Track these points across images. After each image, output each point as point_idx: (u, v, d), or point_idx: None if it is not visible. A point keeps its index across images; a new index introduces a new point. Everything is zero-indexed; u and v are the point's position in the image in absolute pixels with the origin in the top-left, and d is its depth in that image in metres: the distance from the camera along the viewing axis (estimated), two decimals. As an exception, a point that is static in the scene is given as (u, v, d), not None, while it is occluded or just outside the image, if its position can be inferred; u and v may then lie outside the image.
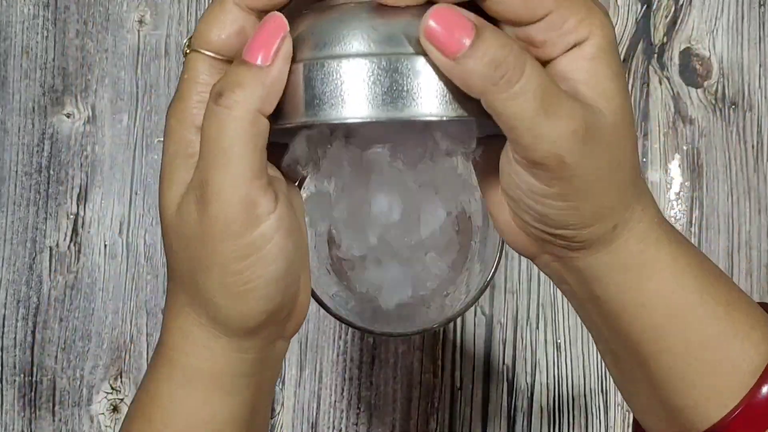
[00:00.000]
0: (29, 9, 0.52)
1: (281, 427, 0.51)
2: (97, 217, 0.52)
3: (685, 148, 0.52)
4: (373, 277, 0.36)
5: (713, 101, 0.53)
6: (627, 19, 0.53)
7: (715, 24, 0.53)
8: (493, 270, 0.38)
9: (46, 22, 0.52)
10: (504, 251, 0.41)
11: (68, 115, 0.52)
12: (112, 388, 0.51)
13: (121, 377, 0.51)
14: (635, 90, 0.53)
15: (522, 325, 0.52)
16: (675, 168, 0.52)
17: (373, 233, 0.33)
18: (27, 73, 0.52)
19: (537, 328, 0.51)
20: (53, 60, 0.52)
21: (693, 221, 0.52)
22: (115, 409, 0.51)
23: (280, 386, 0.51)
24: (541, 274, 0.49)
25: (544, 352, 0.52)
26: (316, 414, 0.51)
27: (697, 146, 0.53)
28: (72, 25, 0.52)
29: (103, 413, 0.51)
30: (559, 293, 0.51)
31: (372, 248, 0.34)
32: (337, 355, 0.52)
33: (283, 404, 0.51)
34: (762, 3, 0.53)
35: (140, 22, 0.52)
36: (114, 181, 0.52)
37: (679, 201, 0.52)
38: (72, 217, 0.51)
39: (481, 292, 0.38)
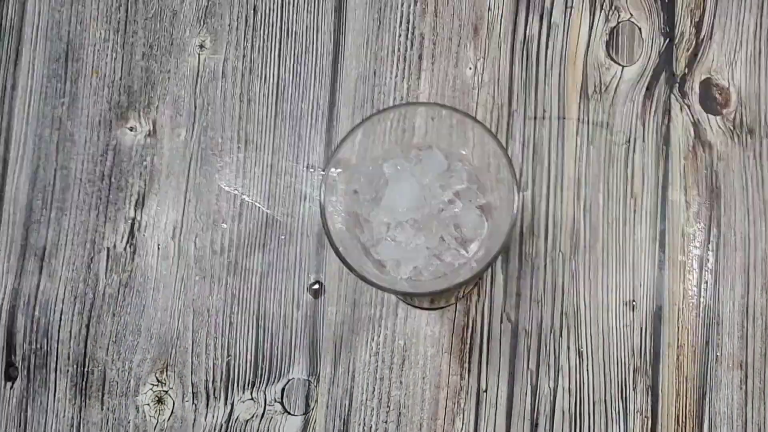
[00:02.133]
0: (101, 33, 0.82)
1: (314, 422, 0.76)
2: (153, 221, 0.80)
3: (704, 171, 0.79)
4: (393, 252, 0.62)
5: (731, 128, 0.80)
6: (651, 50, 0.81)
7: (734, 57, 0.81)
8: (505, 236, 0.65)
9: (116, 45, 0.82)
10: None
11: (131, 129, 0.81)
12: (158, 381, 0.77)
13: (166, 370, 0.77)
14: (657, 116, 0.80)
15: (546, 332, 0.77)
16: (694, 189, 0.79)
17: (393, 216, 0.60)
18: (96, 91, 0.82)
19: (560, 335, 0.77)
20: (120, 79, 0.82)
21: (711, 239, 0.77)
22: (159, 400, 0.77)
23: (315, 383, 0.77)
24: (565, 283, 0.77)
25: (566, 358, 0.77)
26: (348, 411, 0.77)
27: (716, 169, 0.79)
28: (138, 48, 0.82)
29: (148, 404, 0.77)
30: (582, 302, 0.77)
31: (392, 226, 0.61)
32: (370, 356, 0.78)
33: (317, 400, 0.77)
34: (778, 38, 0.81)
35: (201, 46, 0.82)
36: (170, 189, 0.80)
37: (699, 220, 0.78)
38: (129, 221, 0.80)
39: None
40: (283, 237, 0.79)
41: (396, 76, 0.80)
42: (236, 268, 0.79)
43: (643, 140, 0.80)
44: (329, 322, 0.78)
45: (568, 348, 0.77)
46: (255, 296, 0.79)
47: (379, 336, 0.78)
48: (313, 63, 0.82)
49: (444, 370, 0.77)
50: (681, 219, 0.79)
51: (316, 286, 0.79)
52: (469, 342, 0.78)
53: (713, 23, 0.82)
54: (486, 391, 0.77)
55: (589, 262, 0.78)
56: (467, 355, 0.78)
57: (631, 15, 0.82)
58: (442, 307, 0.78)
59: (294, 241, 0.80)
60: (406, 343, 0.78)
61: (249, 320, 0.78)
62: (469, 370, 0.77)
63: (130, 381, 0.78)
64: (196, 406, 0.77)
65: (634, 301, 0.77)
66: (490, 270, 0.79)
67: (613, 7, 0.82)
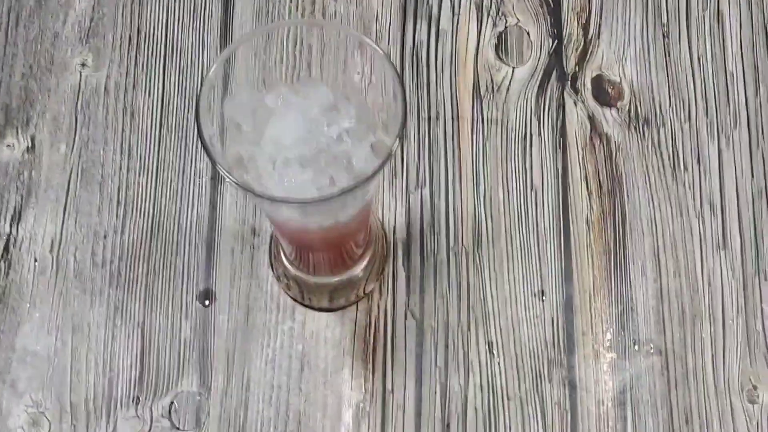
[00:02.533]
0: (-22, 56, 0.85)
1: (207, 437, 0.74)
2: (29, 235, 0.79)
3: (604, 161, 0.82)
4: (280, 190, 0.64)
5: (627, 119, 0.84)
6: (540, 52, 0.86)
7: (623, 54, 0.86)
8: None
9: (-6, 67, 0.85)
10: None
11: (8, 146, 0.82)
12: (33, 401, 0.75)
13: (42, 390, 0.75)
14: (551, 112, 0.84)
15: (453, 328, 0.77)
16: (594, 179, 0.82)
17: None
18: (-29, 112, 0.84)
19: (468, 330, 0.77)
20: (-3, 99, 0.84)
21: (617, 226, 0.80)
22: (34, 422, 0.74)
23: (206, 396, 0.75)
24: (471, 277, 0.79)
25: (476, 354, 0.77)
26: (243, 423, 0.75)
27: (615, 159, 0.83)
28: (18, 69, 0.85)
29: (22, 427, 0.74)
30: (489, 295, 0.78)
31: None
32: (265, 364, 0.76)
33: (209, 414, 0.75)
34: (665, 34, 0.87)
35: (83, 65, 0.85)
36: (48, 203, 0.80)
37: (602, 207, 0.80)
38: (4, 236, 0.79)
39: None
40: (169, 247, 0.80)
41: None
42: (119, 280, 0.79)
43: (540, 134, 0.84)
44: (220, 330, 0.78)
45: (477, 343, 0.77)
46: (140, 308, 0.78)
47: (275, 342, 0.78)
48: (201, 76, 0.85)
49: (346, 374, 0.77)
50: (584, 208, 0.81)
51: (206, 297, 0.79)
52: (372, 342, 0.78)
53: (600, 24, 0.88)
54: (392, 392, 0.76)
55: (494, 256, 0.80)
56: (371, 356, 0.77)
57: (519, 20, 0.88)
58: (342, 307, 0.78)
59: (181, 251, 0.80)
60: (304, 347, 0.77)
61: (133, 333, 0.77)
62: (373, 372, 0.76)
63: (1, 403, 0.75)
64: (74, 426, 0.74)
65: (543, 291, 0.78)
66: (391, 267, 0.80)
67: (500, 13, 0.88)
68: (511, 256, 0.80)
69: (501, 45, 0.87)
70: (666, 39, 0.87)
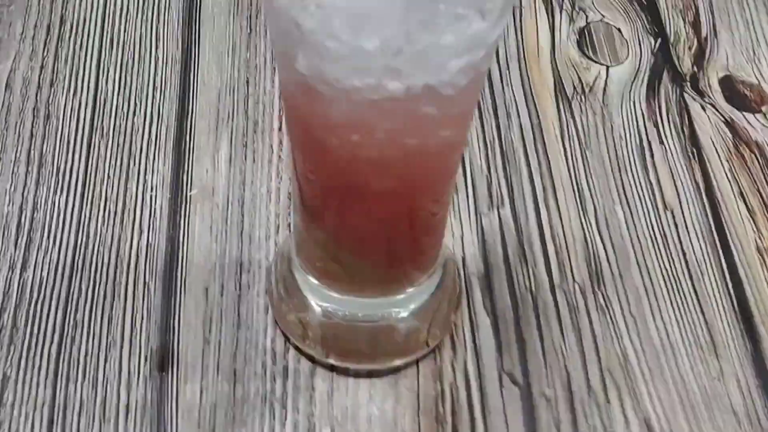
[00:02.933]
0: None
1: None
2: None
3: (759, 174, 0.59)
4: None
5: (782, 123, 0.62)
6: (640, 49, 0.65)
7: (753, 53, 0.66)
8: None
9: None
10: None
11: None
12: None
13: None
14: (671, 115, 0.62)
15: (582, 397, 0.49)
16: (755, 195, 0.58)
17: None
18: None
19: (607, 400, 0.49)
20: None
21: (804, 250, 0.55)
22: None
23: None
24: (596, 324, 0.52)
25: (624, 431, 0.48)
26: None
27: (778, 169, 0.60)
28: None
29: None
30: (630, 349, 0.51)
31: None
32: None
33: None
34: (804, 33, 0.67)
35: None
36: None
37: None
38: None
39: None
40: (99, 288, 0.52)
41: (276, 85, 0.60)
42: (14, 339, 0.50)
43: (662, 142, 0.61)
44: (188, 409, 0.48)
45: (626, 421, 0.49)
46: (49, 381, 0.48)
47: (284, 422, 0.48)
48: (152, 72, 0.61)
49: (411, 470, 0.47)
50: (748, 231, 0.57)
51: (161, 360, 0.50)
52: (451, 421, 0.49)
53: (714, 23, 0.68)
54: (496, 495, 0.47)
55: (626, 294, 0.53)
56: (450, 441, 0.48)
57: (603, 16, 0.68)
58: (393, 370, 0.49)
59: (121, 293, 0.52)
60: (335, 430, 0.48)
61: (39, 418, 0.47)
62: None
63: None
64: None
65: (713, 341, 0.52)
66: (466, 312, 0.52)
67: (576, 8, 0.67)
68: (652, 294, 0.54)
69: (584, 41, 0.66)
70: (807, 37, 0.67)
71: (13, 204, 0.55)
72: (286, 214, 0.56)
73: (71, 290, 0.52)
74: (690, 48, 0.66)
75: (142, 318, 0.51)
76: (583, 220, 0.57)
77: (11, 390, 0.49)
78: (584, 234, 0.56)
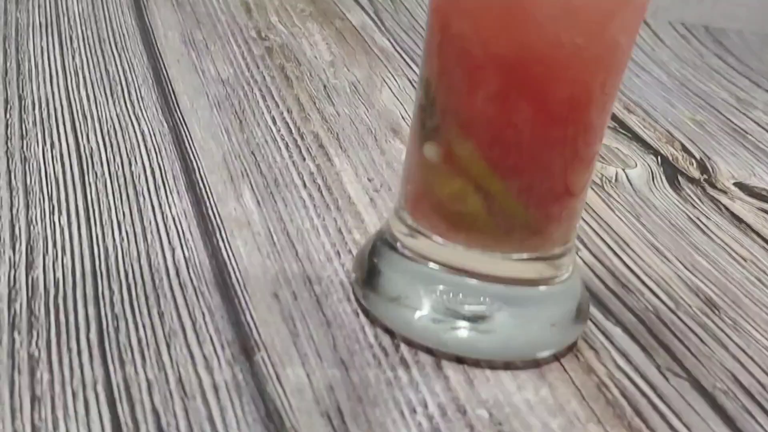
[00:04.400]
0: None
1: None
2: None
3: (818, 243, 0.56)
4: None
5: (813, 213, 0.60)
6: (645, 161, 0.63)
7: (752, 170, 0.65)
8: None
9: None
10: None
11: None
12: None
13: None
14: (705, 201, 0.58)
15: (757, 391, 0.40)
16: (825, 252, 0.54)
17: None
18: None
19: None
20: None
21: None
22: None
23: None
24: (735, 337, 0.47)
25: None
26: None
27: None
28: None
29: None
30: None
31: None
32: None
33: None
34: (789, 162, 0.68)
35: None
36: None
37: None
38: None
39: None
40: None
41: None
42: (35, 325, 0.36)
43: (708, 217, 0.57)
44: (297, 387, 0.35)
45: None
46: (97, 363, 0.35)
47: (425, 404, 0.36)
48: (140, 140, 0.52)
49: (606, 447, 0.36)
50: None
51: (245, 349, 0.37)
52: (626, 404, 0.38)
53: (703, 151, 0.67)
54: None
55: (752, 318, 0.46)
56: (636, 420, 0.37)
57: (597, 139, 0.65)
58: (530, 364, 0.39)
59: (165, 293, 0.40)
60: (492, 414, 0.36)
61: (94, 396, 0.33)
62: (660, 444, 0.36)
63: None
64: None
65: None
66: (590, 323, 0.43)
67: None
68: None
69: (591, 152, 0.63)
70: (793, 165, 0.67)
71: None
72: (343, 244, 0.47)
73: (99, 290, 0.40)
74: (692, 164, 0.65)
75: (203, 314, 0.39)
76: (669, 264, 0.51)
77: (44, 369, 0.35)
78: (677, 274, 0.50)
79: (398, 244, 0.42)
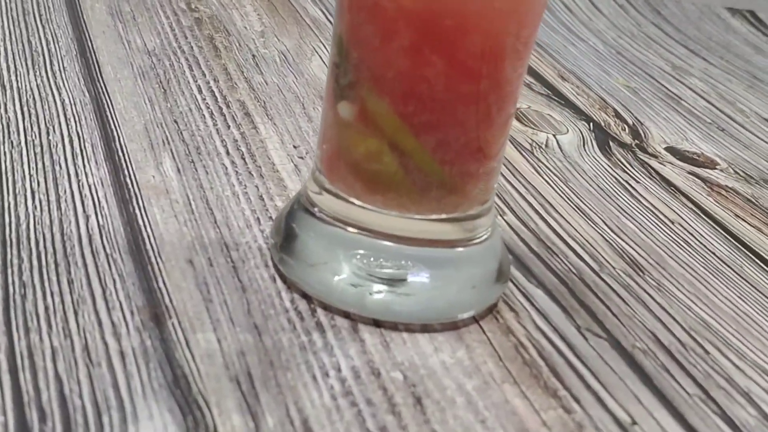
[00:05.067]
0: None
1: None
2: None
3: (746, 205, 0.56)
4: None
5: (741, 177, 0.60)
6: (577, 126, 0.63)
7: (685, 137, 0.65)
8: None
9: None
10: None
11: None
12: None
13: None
14: (635, 166, 0.58)
15: (676, 347, 0.40)
16: (752, 217, 0.54)
17: None
18: None
19: (705, 351, 0.40)
20: None
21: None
22: None
23: (210, 453, 0.30)
24: (658, 298, 0.47)
25: (741, 375, 0.39)
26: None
27: (762, 203, 0.56)
28: None
29: None
30: (705, 314, 0.43)
31: None
32: (333, 398, 0.33)
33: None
34: (713, 122, 0.68)
35: None
36: None
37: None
38: None
39: None
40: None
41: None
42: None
43: (638, 182, 0.56)
44: (206, 352, 0.35)
45: (734, 365, 0.40)
46: (0, 331, 0.34)
47: (339, 368, 0.35)
48: (60, 109, 0.51)
49: (520, 406, 0.35)
50: (761, 238, 0.52)
51: (155, 316, 0.37)
52: (543, 364, 0.38)
53: (636, 116, 0.67)
54: (635, 423, 0.35)
55: (677, 277, 0.46)
56: (553, 382, 0.37)
57: (529, 106, 0.65)
58: (449, 326, 0.38)
59: (77, 261, 0.39)
60: (406, 377, 0.36)
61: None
62: (577, 401, 0.36)
63: None
64: None
65: (784, 317, 0.45)
66: (512, 285, 0.43)
67: (501, 99, 0.65)
68: (703, 279, 0.47)
69: (522, 118, 0.63)
70: (718, 121, 0.67)
71: None
72: (263, 211, 0.46)
73: (8, 258, 0.39)
74: (624, 129, 0.65)
75: (114, 281, 0.39)
76: (594, 227, 0.51)
77: (-55, 338, 0.34)
78: (602, 236, 0.50)
79: (315, 209, 0.41)
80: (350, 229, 0.40)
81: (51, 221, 0.42)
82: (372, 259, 0.40)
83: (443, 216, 0.40)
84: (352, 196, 0.40)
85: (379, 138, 0.39)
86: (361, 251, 0.40)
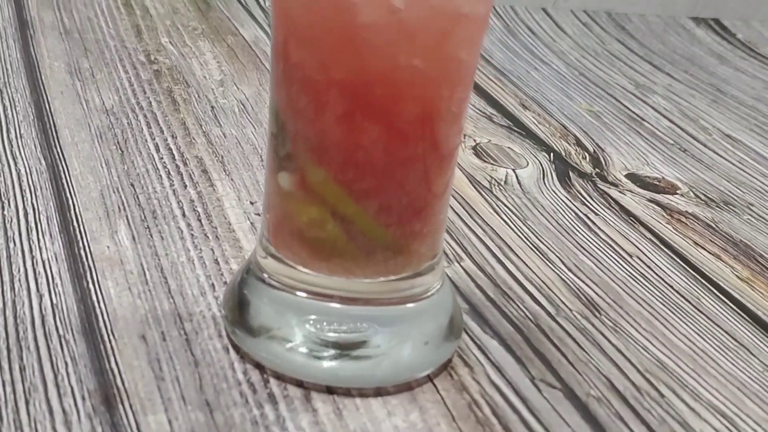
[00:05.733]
0: None
1: None
2: None
3: (705, 231, 0.56)
4: None
5: (702, 201, 0.60)
6: (537, 158, 0.63)
7: (646, 159, 0.65)
8: None
9: None
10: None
11: None
12: None
13: None
14: (594, 198, 0.58)
15: (631, 394, 0.40)
16: (712, 245, 0.54)
17: None
18: None
19: (661, 395, 0.40)
20: None
21: (786, 274, 0.51)
22: None
23: None
24: (614, 339, 0.48)
25: (698, 420, 0.39)
26: None
27: (721, 228, 0.56)
28: None
29: None
30: (662, 355, 0.43)
31: None
32: None
33: None
34: (675, 142, 0.68)
35: None
36: None
37: (750, 268, 0.52)
38: None
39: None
40: None
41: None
42: None
43: (597, 214, 0.57)
44: (156, 441, 0.35)
45: (689, 407, 0.40)
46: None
47: (289, 443, 0.36)
48: (15, 180, 0.51)
49: (473, 470, 0.35)
50: (720, 266, 0.52)
51: (106, 399, 0.37)
52: (496, 422, 0.38)
53: (597, 143, 0.67)
54: (588, 481, 0.35)
55: (633, 317, 0.46)
56: (506, 440, 0.37)
57: (490, 140, 0.65)
58: (402, 388, 0.39)
59: (29, 345, 0.39)
60: (358, 444, 0.36)
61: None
62: (527, 461, 0.36)
63: None
64: None
65: (740, 343, 0.45)
66: (467, 337, 0.43)
67: (463, 135, 0.65)
68: (659, 315, 0.47)
69: (481, 154, 0.63)
70: (680, 142, 0.68)
71: None
72: (218, 275, 0.46)
73: (-42, 348, 0.39)
74: (584, 158, 0.65)
75: (66, 365, 0.39)
76: (552, 267, 0.51)
77: None
78: (560, 277, 0.50)
79: (264, 274, 0.41)
80: (299, 293, 0.41)
81: (4, 303, 0.42)
82: (325, 323, 0.40)
83: (392, 277, 0.41)
84: (298, 263, 0.40)
85: (320, 206, 0.39)
86: (313, 316, 0.40)
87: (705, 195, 0.62)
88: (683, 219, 0.58)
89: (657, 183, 0.62)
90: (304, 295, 0.40)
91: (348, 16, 0.36)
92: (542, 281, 0.49)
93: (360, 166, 0.38)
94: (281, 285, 0.41)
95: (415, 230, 0.40)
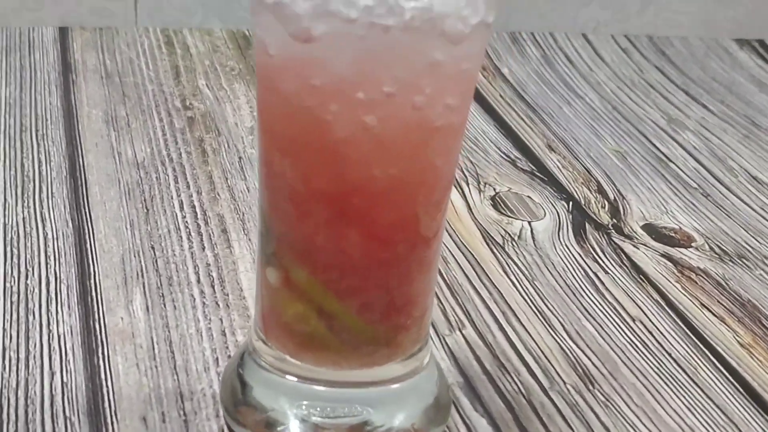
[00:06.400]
0: None
1: None
2: None
3: (714, 290, 0.56)
4: None
5: (715, 254, 0.60)
6: (555, 209, 0.64)
7: (666, 207, 0.65)
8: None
9: None
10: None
11: None
12: None
13: None
14: (607, 253, 0.59)
15: None
16: (718, 305, 0.55)
17: None
18: None
19: None
20: None
21: (789, 341, 0.51)
22: None
23: None
24: (603, 417, 0.50)
25: None
26: None
27: (731, 287, 0.57)
28: None
29: None
30: None
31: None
32: None
33: None
34: (699, 186, 0.68)
35: None
36: None
37: (753, 332, 0.53)
38: None
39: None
40: None
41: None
42: None
43: (606, 272, 0.57)
44: None
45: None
46: None
47: None
48: (41, 245, 0.54)
49: None
50: (722, 330, 0.53)
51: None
52: None
53: (618, 189, 0.67)
54: None
55: (627, 391, 0.47)
56: None
57: (510, 188, 0.66)
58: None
59: (36, 429, 0.41)
60: None
61: None
62: None
63: None
64: None
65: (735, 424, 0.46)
66: (457, 416, 0.44)
67: (481, 183, 0.66)
68: (652, 389, 0.48)
69: (498, 205, 0.64)
70: (704, 186, 0.68)
71: None
72: (224, 348, 0.48)
73: (-30, 431, 0.42)
74: (603, 207, 0.65)
75: (68, 450, 0.41)
76: (553, 334, 0.52)
77: None
78: (559, 345, 0.51)
79: (258, 356, 0.43)
80: (289, 377, 0.42)
81: (17, 383, 0.45)
82: (318, 408, 0.42)
83: (376, 368, 0.42)
84: (286, 353, 0.42)
85: (305, 302, 0.41)
86: (305, 402, 0.42)
87: (720, 247, 0.62)
88: (693, 276, 0.58)
89: (673, 234, 0.63)
90: (293, 379, 0.42)
91: (325, 131, 0.37)
92: (541, 350, 0.50)
93: (342, 267, 0.40)
94: (272, 368, 0.43)
95: (400, 324, 0.42)
